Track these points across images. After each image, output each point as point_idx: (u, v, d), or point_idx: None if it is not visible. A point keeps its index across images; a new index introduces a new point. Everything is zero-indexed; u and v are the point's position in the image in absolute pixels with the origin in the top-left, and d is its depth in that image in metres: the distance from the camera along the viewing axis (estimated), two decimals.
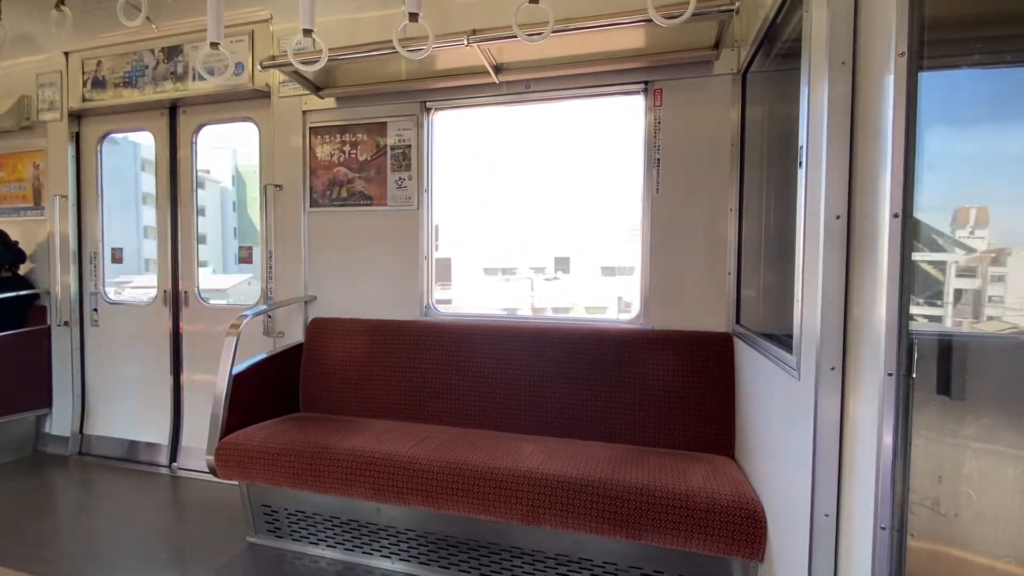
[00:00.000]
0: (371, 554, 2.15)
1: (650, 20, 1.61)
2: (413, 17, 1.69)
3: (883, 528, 1.03)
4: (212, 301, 3.29)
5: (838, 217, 1.19)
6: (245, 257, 3.20)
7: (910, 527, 1.04)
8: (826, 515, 1.22)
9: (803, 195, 1.30)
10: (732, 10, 1.84)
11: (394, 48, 1.82)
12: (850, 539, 1.16)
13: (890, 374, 1.01)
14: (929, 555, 1.08)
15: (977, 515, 1.08)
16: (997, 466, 1.06)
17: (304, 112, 2.89)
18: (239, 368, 2.34)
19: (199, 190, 3.36)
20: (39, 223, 3.49)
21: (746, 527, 1.60)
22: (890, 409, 1.02)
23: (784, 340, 1.49)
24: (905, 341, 1.01)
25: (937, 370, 1.07)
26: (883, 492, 1.02)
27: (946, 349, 1.10)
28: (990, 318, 1.08)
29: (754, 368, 1.88)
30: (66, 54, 3.31)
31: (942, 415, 1.08)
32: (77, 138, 3.43)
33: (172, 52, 3.08)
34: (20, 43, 3.29)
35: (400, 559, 2.11)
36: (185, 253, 3.28)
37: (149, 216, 3.58)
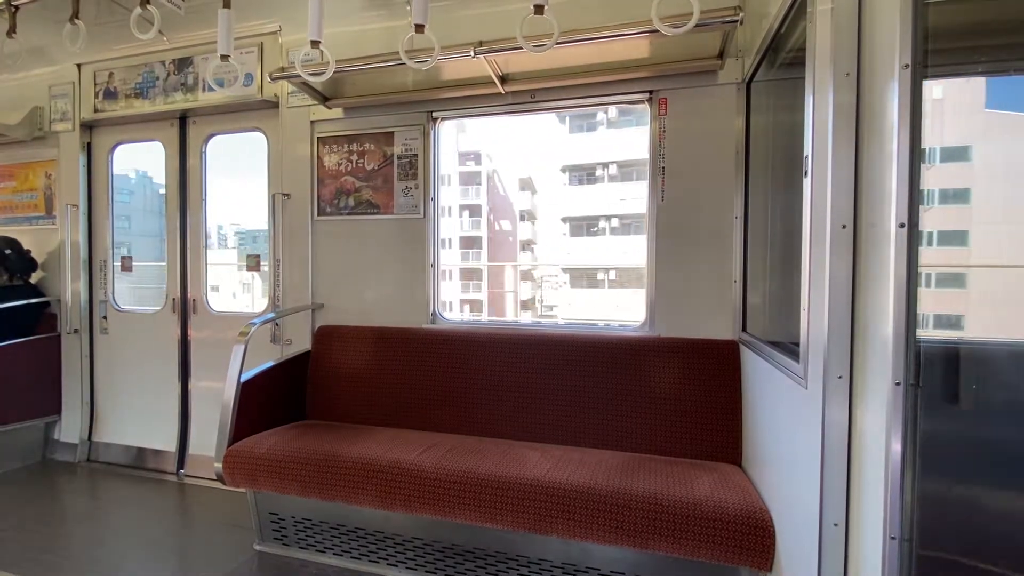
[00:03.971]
0: (378, 562, 2.15)
1: (654, 31, 1.63)
2: (419, 29, 1.71)
3: (893, 538, 1.02)
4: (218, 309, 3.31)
5: (844, 227, 1.20)
6: (253, 266, 3.22)
7: (920, 537, 1.04)
8: (835, 524, 1.21)
9: (808, 204, 1.30)
10: (736, 20, 1.86)
11: (401, 59, 1.84)
12: (859, 549, 1.16)
13: (898, 383, 1.01)
14: (940, 565, 1.07)
15: (988, 525, 1.07)
16: (1006, 474, 1.06)
17: (312, 122, 2.92)
18: (247, 375, 2.35)
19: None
20: (51, 232, 3.54)
21: (754, 536, 1.59)
22: (898, 418, 1.02)
23: (791, 348, 1.49)
24: (913, 350, 1.01)
25: (944, 379, 1.07)
26: (892, 501, 1.02)
27: (953, 358, 1.10)
28: None
29: (761, 376, 1.88)
30: (78, 66, 3.37)
31: (950, 424, 1.08)
32: (88, 148, 3.48)
33: (182, 63, 3.13)
34: (33, 55, 3.35)
35: (407, 567, 2.11)
36: (193, 261, 3.32)
37: None
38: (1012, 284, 1.13)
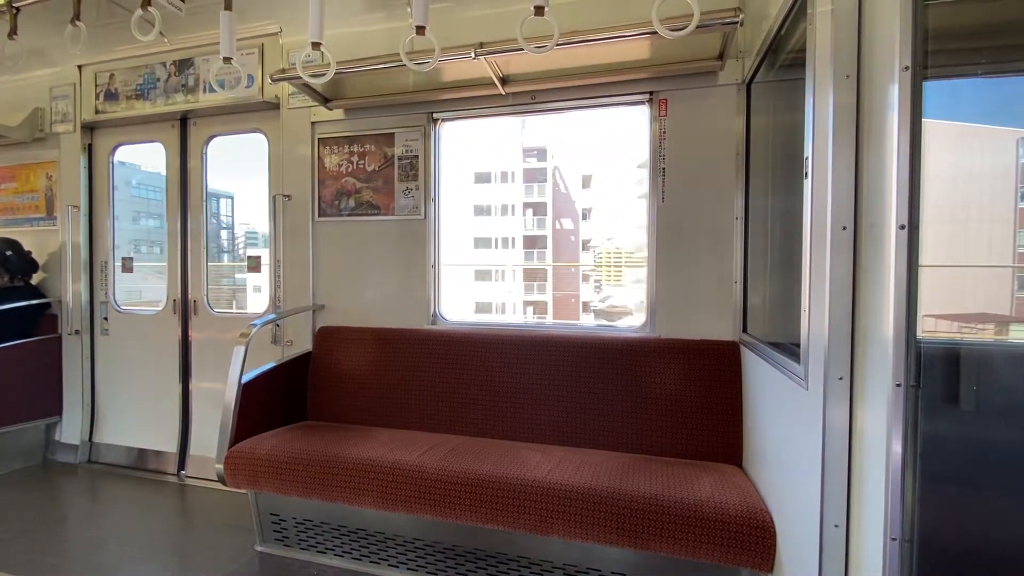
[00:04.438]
0: (379, 563, 2.16)
1: (654, 32, 1.63)
2: (420, 30, 1.71)
3: (894, 539, 1.02)
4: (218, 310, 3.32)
5: (844, 228, 1.20)
6: (254, 266, 3.23)
7: (920, 538, 1.04)
8: (836, 526, 1.21)
9: (809, 206, 1.31)
10: (736, 22, 1.86)
11: (401, 61, 1.85)
12: (860, 550, 1.16)
13: (898, 384, 1.02)
14: (941, 566, 1.07)
15: (989, 526, 1.07)
16: (1007, 475, 1.06)
17: (313, 123, 2.92)
18: (248, 376, 2.36)
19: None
20: (51, 233, 3.54)
21: (755, 537, 1.59)
22: (899, 419, 1.02)
23: (791, 349, 1.49)
24: (913, 351, 1.01)
25: (945, 380, 1.08)
26: (893, 503, 1.02)
27: (954, 359, 1.10)
28: None
29: (761, 377, 1.88)
30: (79, 67, 3.37)
31: (951, 424, 1.08)
32: (89, 149, 3.48)
33: (183, 65, 3.13)
34: (34, 56, 3.36)
35: (408, 568, 2.11)
36: (194, 262, 3.32)
37: None
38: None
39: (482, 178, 33.03)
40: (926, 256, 1.01)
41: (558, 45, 1.77)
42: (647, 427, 2.24)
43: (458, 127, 2.86)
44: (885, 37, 1.08)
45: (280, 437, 2.29)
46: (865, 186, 1.16)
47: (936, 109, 1.05)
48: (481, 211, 33.00)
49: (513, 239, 32.14)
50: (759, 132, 2.14)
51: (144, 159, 3.44)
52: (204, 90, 3.08)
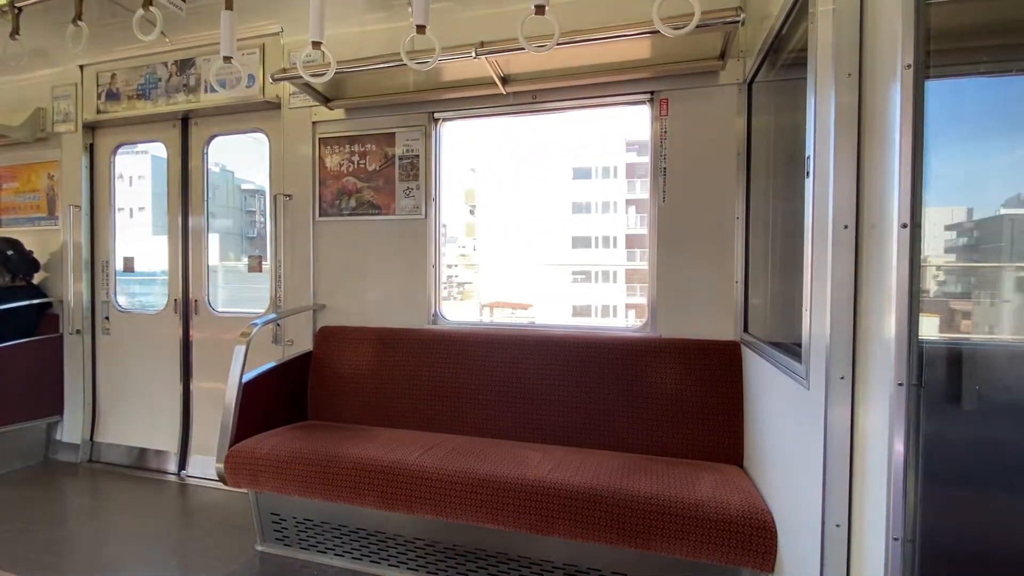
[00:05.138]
0: (379, 563, 2.15)
1: (655, 31, 1.63)
2: (421, 30, 1.71)
3: (896, 539, 1.02)
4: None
5: (846, 227, 1.19)
6: (255, 266, 3.23)
7: (922, 538, 1.03)
8: (837, 525, 1.21)
9: (810, 205, 1.30)
10: (737, 21, 1.86)
11: (402, 60, 1.85)
12: (862, 550, 1.16)
13: (900, 384, 1.01)
14: (943, 566, 1.07)
15: (990, 526, 1.07)
16: (1009, 475, 1.06)
17: (313, 123, 2.92)
18: (249, 376, 2.36)
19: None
20: (53, 233, 3.55)
21: (756, 537, 1.59)
22: (901, 419, 1.01)
23: (793, 349, 1.49)
24: (915, 351, 1.01)
25: (947, 379, 1.07)
26: (895, 502, 1.02)
27: (956, 358, 1.10)
28: None
29: (763, 377, 1.88)
30: (81, 67, 3.38)
31: (954, 424, 1.08)
32: (91, 149, 3.49)
33: (184, 64, 3.14)
34: (36, 56, 3.36)
35: (408, 568, 2.11)
36: (196, 262, 3.32)
37: None
38: None
39: (581, 173, 30.73)
40: None
41: (559, 44, 1.77)
42: (648, 427, 2.24)
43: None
44: (887, 35, 1.08)
45: (280, 437, 2.29)
46: (867, 185, 1.16)
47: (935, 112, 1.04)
48: (580, 208, 30.79)
49: (615, 238, 30.73)
50: (760, 132, 2.13)
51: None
52: (205, 90, 3.08)
